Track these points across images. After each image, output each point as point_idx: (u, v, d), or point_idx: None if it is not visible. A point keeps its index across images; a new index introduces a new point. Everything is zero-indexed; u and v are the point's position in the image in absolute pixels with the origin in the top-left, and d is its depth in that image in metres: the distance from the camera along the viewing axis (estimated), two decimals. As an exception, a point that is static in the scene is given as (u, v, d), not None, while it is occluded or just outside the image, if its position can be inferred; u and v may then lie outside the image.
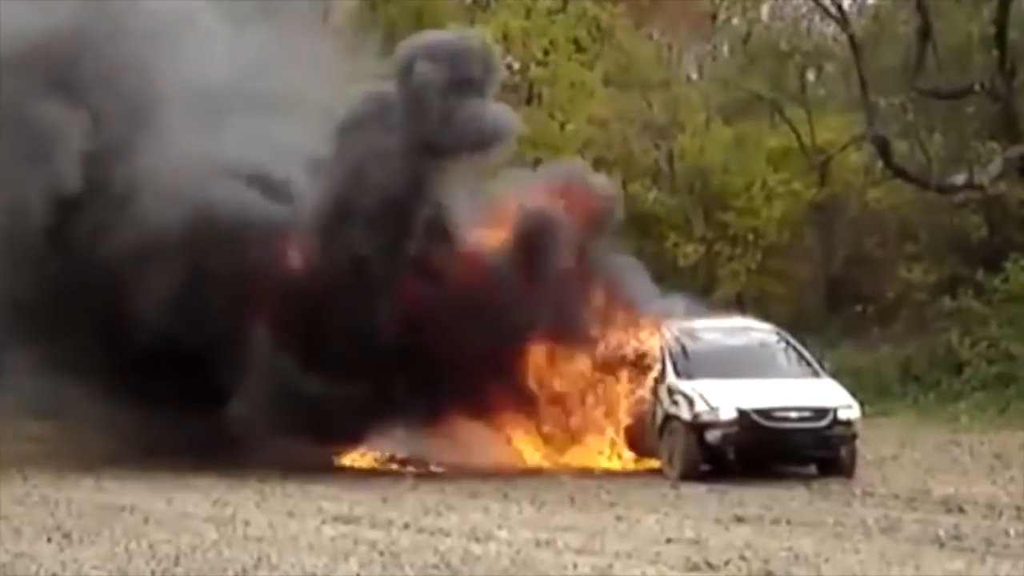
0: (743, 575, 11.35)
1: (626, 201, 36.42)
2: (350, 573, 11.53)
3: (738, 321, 20.11)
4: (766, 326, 19.82)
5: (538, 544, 12.82)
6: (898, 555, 12.27)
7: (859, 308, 32.61)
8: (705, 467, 17.59)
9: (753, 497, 15.90)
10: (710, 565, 11.74)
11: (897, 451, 21.21)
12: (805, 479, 17.63)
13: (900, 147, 31.08)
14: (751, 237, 36.58)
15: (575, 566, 11.68)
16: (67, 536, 13.21)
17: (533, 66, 39.28)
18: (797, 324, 31.36)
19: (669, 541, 12.99)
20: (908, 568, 11.58)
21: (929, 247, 33.02)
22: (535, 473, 18.51)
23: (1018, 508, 15.02)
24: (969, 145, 32.39)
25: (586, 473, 18.49)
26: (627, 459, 18.89)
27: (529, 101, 39.40)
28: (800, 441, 17.41)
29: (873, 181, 32.87)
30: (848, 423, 17.58)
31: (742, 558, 12.08)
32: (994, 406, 26.84)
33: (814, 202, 36.06)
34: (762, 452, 17.45)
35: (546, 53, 38.46)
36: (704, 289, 33.54)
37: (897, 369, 29.67)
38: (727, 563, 11.80)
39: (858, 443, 18.23)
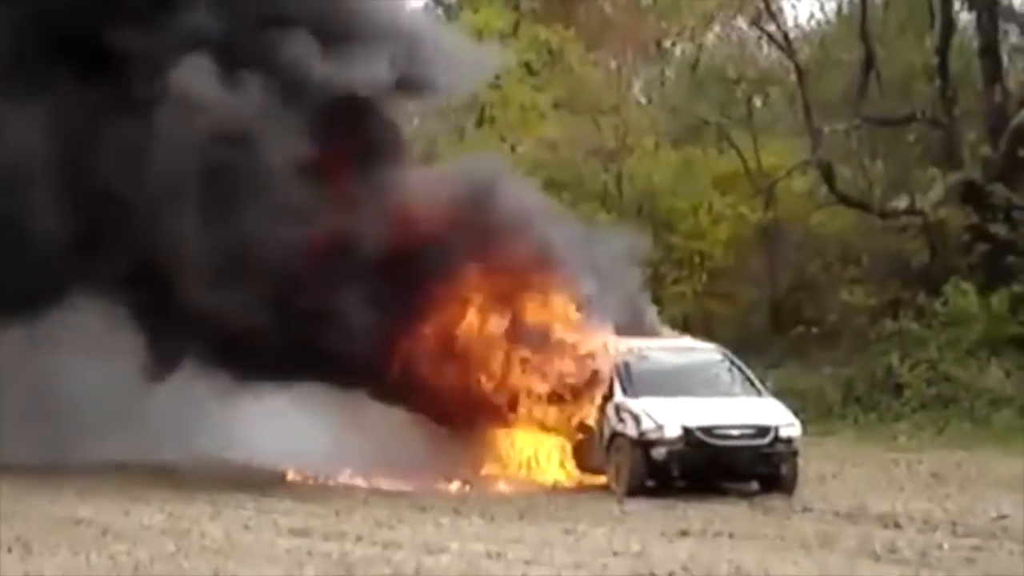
0: (687, 585, 11.79)
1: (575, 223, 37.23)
2: (311, 584, 11.90)
3: (684, 341, 20.57)
4: (711, 346, 20.32)
5: (489, 556, 13.22)
6: (836, 568, 12.77)
7: (802, 330, 33.22)
8: (651, 483, 18.00)
9: (697, 512, 16.34)
10: (655, 577, 12.19)
11: (837, 469, 21.70)
12: (747, 495, 18.07)
13: (844, 172, 31.75)
14: (697, 259, 37.21)
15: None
16: (27, 547, 13.47)
17: (485, 88, 39.89)
18: (742, 345, 31.89)
19: (616, 554, 13.41)
20: (847, 579, 12.07)
21: (871, 271, 33.68)
22: (486, 487, 18.89)
23: (953, 523, 15.52)
24: (911, 171, 33.18)
25: (536, 489, 18.88)
26: (575, 475, 19.27)
27: (480, 123, 39.96)
28: (742, 458, 17.87)
29: (817, 205, 33.49)
30: (789, 441, 18.07)
31: (685, 570, 12.52)
32: (932, 426, 27.45)
33: (760, 225, 36.70)
34: (706, 468, 17.89)
35: (497, 76, 38.94)
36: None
37: (839, 390, 30.20)
38: (670, 575, 12.25)
39: (799, 461, 18.81)
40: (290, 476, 19.54)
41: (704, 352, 19.84)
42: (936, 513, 16.37)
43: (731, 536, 14.64)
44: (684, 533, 14.84)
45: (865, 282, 33.32)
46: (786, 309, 36.03)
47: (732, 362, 19.63)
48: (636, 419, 17.95)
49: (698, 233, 37.16)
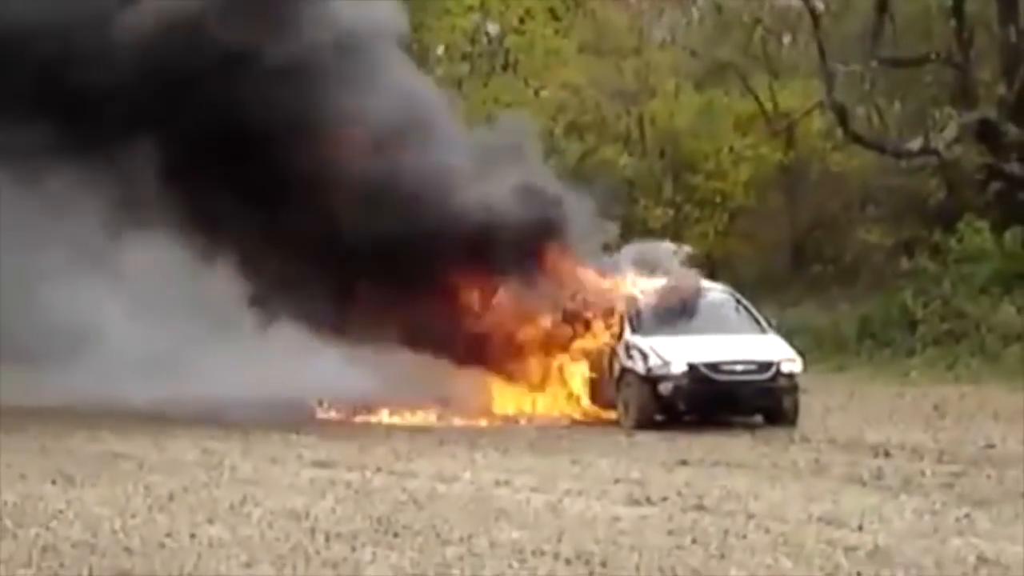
0: (676, 508, 12.67)
1: (598, 166, 38.08)
2: (327, 508, 12.83)
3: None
4: (718, 286, 21.14)
5: (498, 484, 14.16)
6: (821, 492, 13.62)
7: (820, 269, 33.99)
8: (659, 417, 18.92)
9: (700, 444, 17.24)
10: (649, 500, 13.08)
11: (844, 403, 22.57)
12: (751, 428, 18.96)
13: (860, 113, 32.38)
14: (718, 200, 37.96)
15: (528, 502, 13.02)
16: (70, 480, 14.51)
17: (511, 34, 40.63)
18: (763, 284, 32.89)
19: (617, 481, 14.32)
20: (826, 503, 12.91)
21: (889, 210, 34.40)
22: (504, 423, 19.82)
23: (941, 452, 16.39)
24: (927, 112, 33.79)
25: (551, 424, 19.81)
26: (588, 410, 20.18)
27: (505, 67, 40.70)
28: (745, 392, 18.75)
29: (835, 146, 34.12)
30: (790, 376, 18.93)
31: (679, 495, 13.42)
32: (943, 361, 28.22)
33: (781, 166, 37.42)
34: (710, 403, 18.79)
35: (522, 21, 39.66)
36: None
37: (855, 327, 31.02)
38: (664, 499, 13.15)
39: (810, 395, 19.71)
40: (319, 414, 20.53)
41: (711, 291, 20.64)
42: (928, 443, 17.22)
43: (727, 465, 15.52)
44: (684, 462, 15.74)
45: (882, 221, 34.06)
46: (806, 248, 36.82)
47: (738, 301, 20.44)
48: (644, 356, 18.84)
49: (720, 174, 37.91)
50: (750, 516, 12.20)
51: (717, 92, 39.03)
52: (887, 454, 16.28)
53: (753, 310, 20.21)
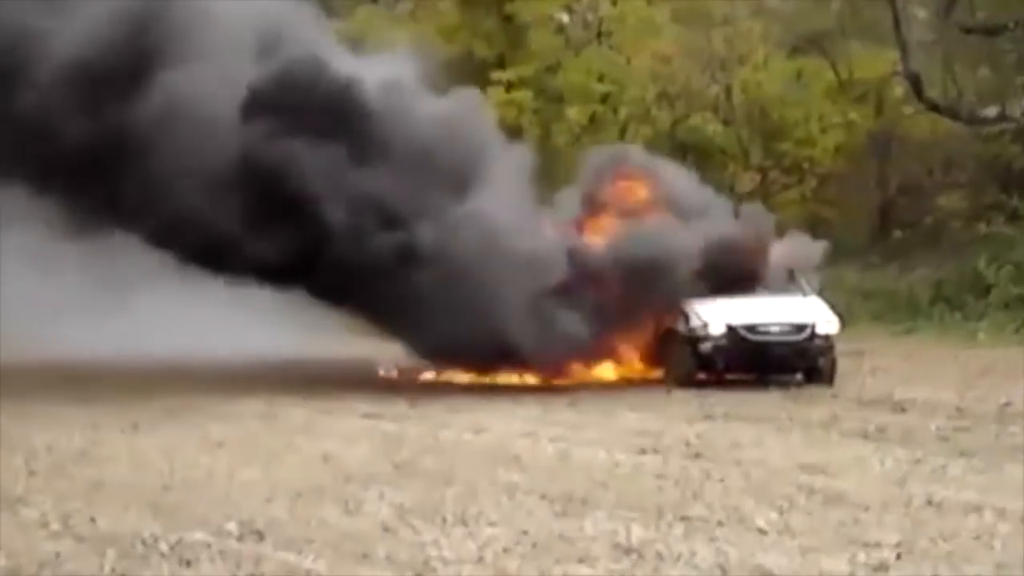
0: (676, 456, 13.74)
1: (687, 132, 38.98)
2: (359, 453, 14.11)
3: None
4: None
5: (522, 435, 15.32)
6: (819, 443, 14.61)
7: (902, 233, 34.56)
8: (701, 376, 19.91)
9: (730, 400, 18.21)
10: (655, 449, 14.16)
11: (896, 364, 23.27)
12: (789, 386, 19.84)
13: (936, 81, 32.82)
14: (806, 166, 38.60)
15: (543, 450, 14.18)
16: (136, 427, 15.96)
17: (605, 5, 41.60)
18: (847, 248, 33.47)
19: (635, 433, 15.40)
20: (817, 453, 13.88)
21: (970, 176, 34.80)
22: (557, 380, 20.90)
23: (958, 409, 17.16)
24: (1009, 80, 34.09)
25: (600, 381, 20.84)
26: (641, 369, 21.20)
27: (599, 37, 41.63)
28: (781, 352, 19.68)
29: (906, 115, 34.61)
30: (826, 336, 19.82)
31: (687, 445, 14.49)
32: (1011, 324, 28.70)
33: (869, 133, 37.91)
34: (747, 362, 19.76)
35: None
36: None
37: (929, 291, 31.58)
38: (669, 448, 14.22)
39: (866, 356, 21.35)
40: (382, 372, 21.81)
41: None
42: (950, 401, 17.95)
43: (747, 419, 16.50)
44: (708, 417, 16.76)
45: (963, 187, 34.48)
46: (890, 213, 37.34)
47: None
48: (686, 317, 19.84)
49: (808, 141, 38.48)
50: (738, 463, 13.23)
51: (807, 60, 39.55)
52: (903, 410, 17.12)
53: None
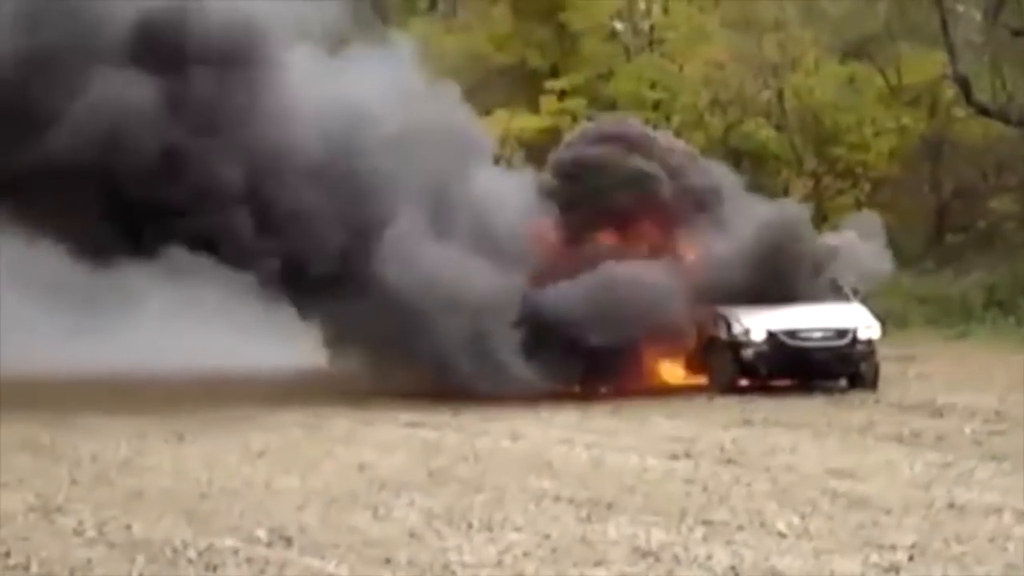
0: (708, 461, 13.88)
1: (740, 138, 39.03)
2: (396, 461, 14.34)
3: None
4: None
5: (559, 441, 15.50)
6: (854, 448, 14.69)
7: (956, 237, 34.44)
8: (744, 382, 20.01)
9: (771, 406, 18.30)
10: (688, 455, 14.32)
11: (945, 368, 23.23)
12: (832, 392, 19.90)
13: (987, 83, 32.68)
14: (860, 170, 38.52)
15: (577, 456, 14.37)
16: (180, 437, 16.27)
17: (657, 12, 41.78)
18: (902, 253, 33.32)
19: (670, 439, 15.54)
20: (850, 457, 14.00)
21: (1023, 179, 34.60)
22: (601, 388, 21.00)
23: (996, 414, 17.18)
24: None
25: (646, 389, 20.93)
26: (684, 376, 21.30)
27: (651, 44, 41.79)
28: (822, 358, 19.73)
29: (955, 118, 34.48)
30: (868, 342, 19.85)
31: (721, 450, 14.63)
32: (1065, 330, 28.57)
33: (923, 136, 37.78)
34: (789, 368, 19.83)
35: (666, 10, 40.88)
36: (813, 221, 35.64)
37: (982, 295, 31.43)
38: (702, 453, 14.36)
39: (916, 361, 21.52)
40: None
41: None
42: (990, 405, 17.94)
43: (785, 425, 16.60)
44: (747, 423, 16.87)
45: (1016, 190, 34.29)
46: (945, 217, 37.19)
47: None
48: (728, 324, 19.94)
49: (862, 145, 38.40)
50: (767, 468, 13.36)
51: (859, 64, 39.47)
52: (941, 415, 17.17)
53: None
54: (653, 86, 39.89)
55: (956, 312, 31.32)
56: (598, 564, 9.62)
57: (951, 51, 31.16)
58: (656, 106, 40.35)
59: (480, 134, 22.23)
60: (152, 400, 19.64)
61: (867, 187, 38.65)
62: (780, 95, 39.33)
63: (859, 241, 21.84)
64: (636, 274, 19.46)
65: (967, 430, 15.73)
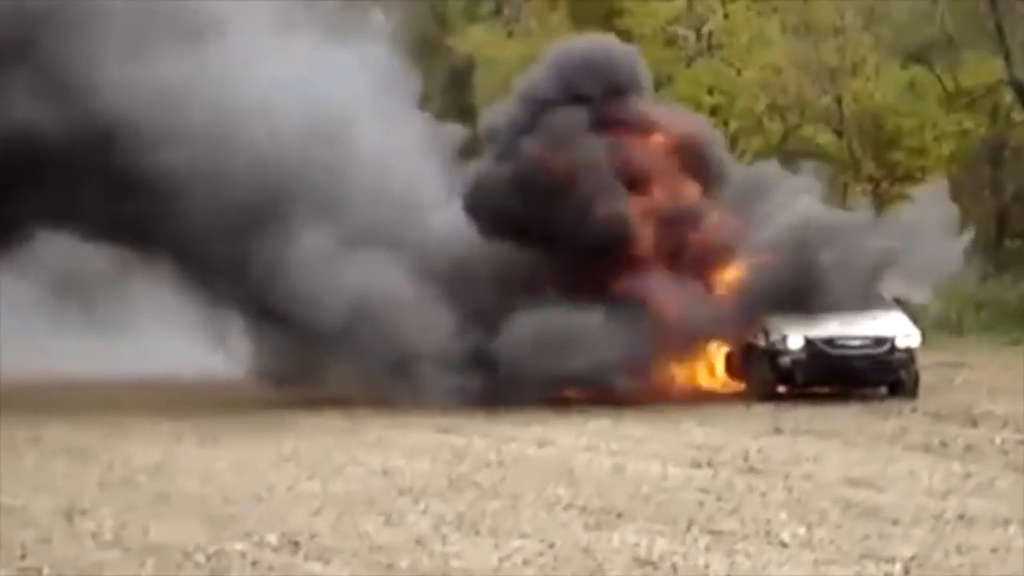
0: (728, 470, 13.91)
1: (799, 142, 38.87)
2: (421, 467, 14.49)
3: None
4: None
5: (586, 448, 15.58)
6: (879, 457, 14.65)
7: (1010, 242, 34.14)
8: (782, 389, 19.98)
9: (807, 414, 18.24)
10: (710, 464, 14.34)
11: (991, 376, 22.99)
12: (872, 399, 19.82)
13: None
14: (919, 175, 38.23)
15: (599, 464, 14.44)
16: (215, 440, 16.52)
17: (718, 18, 41.68)
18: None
19: (697, 447, 15.57)
20: (872, 466, 13.98)
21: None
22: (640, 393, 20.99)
23: (1032, 422, 17.08)
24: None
25: (685, 395, 20.91)
26: (724, 382, 21.29)
27: (710, 49, 41.72)
28: (860, 365, 19.66)
29: (1014, 123, 34.19)
30: (907, 350, 19.75)
31: (744, 459, 14.63)
32: (1121, 337, 28.26)
33: (983, 141, 37.48)
34: (827, 375, 19.78)
35: (726, 16, 40.74)
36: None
37: (1038, 300, 31.20)
38: (724, 462, 14.39)
39: (964, 368, 21.53)
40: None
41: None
42: (1026, 415, 17.86)
43: (817, 433, 16.56)
44: (778, 431, 16.86)
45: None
46: (1004, 222, 36.88)
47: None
48: (766, 332, 19.93)
49: (921, 150, 38.16)
50: (785, 477, 13.37)
51: (919, 69, 39.21)
52: (975, 424, 17.06)
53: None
54: (711, 91, 39.86)
55: (1012, 319, 31.06)
56: (595, 573, 9.70)
57: (1007, 55, 30.88)
58: (714, 111, 40.31)
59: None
60: (189, 403, 19.92)
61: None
62: (839, 100, 39.18)
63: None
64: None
65: (997, 440, 15.64)
